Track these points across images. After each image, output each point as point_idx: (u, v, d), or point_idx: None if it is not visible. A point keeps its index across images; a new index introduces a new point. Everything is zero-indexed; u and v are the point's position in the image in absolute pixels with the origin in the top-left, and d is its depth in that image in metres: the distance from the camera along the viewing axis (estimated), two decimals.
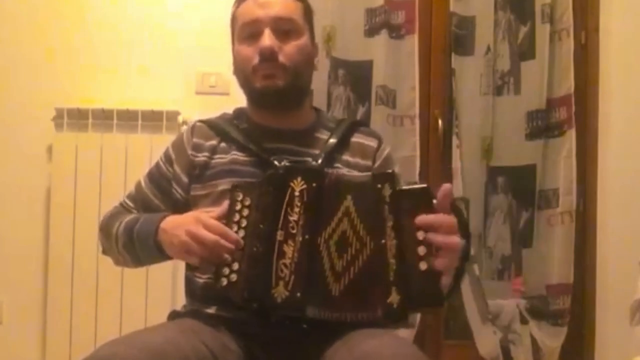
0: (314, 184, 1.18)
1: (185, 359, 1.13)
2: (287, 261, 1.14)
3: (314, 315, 1.14)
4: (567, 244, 2.56)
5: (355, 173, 1.36)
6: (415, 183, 1.26)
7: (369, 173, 1.27)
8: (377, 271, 1.13)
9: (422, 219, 1.13)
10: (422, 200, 1.14)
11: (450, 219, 1.14)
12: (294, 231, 1.16)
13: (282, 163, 1.25)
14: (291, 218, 1.16)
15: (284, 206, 1.17)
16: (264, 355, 1.26)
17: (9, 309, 2.61)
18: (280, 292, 1.13)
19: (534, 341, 2.56)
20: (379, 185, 1.16)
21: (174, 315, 1.38)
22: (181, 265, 1.46)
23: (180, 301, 1.45)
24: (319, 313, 1.15)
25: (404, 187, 1.18)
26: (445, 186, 1.15)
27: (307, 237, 1.16)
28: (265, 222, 1.17)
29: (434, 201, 1.14)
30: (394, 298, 1.10)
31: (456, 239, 1.13)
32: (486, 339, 2.56)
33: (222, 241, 1.18)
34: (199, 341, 1.19)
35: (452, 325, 2.73)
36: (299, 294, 1.13)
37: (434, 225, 1.12)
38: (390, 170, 1.23)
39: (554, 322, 2.58)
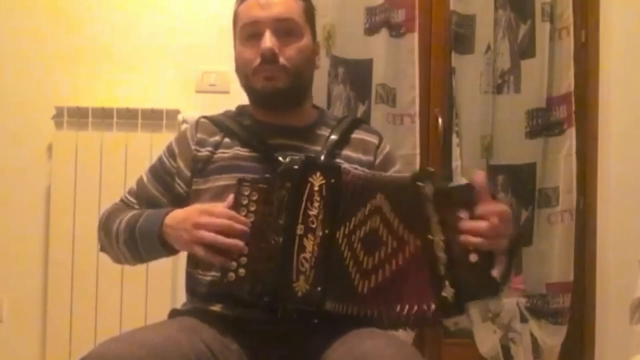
0: (333, 180, 1.19)
1: (185, 357, 1.13)
2: (308, 255, 1.15)
3: (333, 309, 1.15)
4: (567, 242, 2.56)
5: (358, 168, 1.38)
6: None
7: (406, 174, 1.27)
8: (424, 267, 1.13)
9: (480, 209, 1.13)
10: (467, 196, 1.15)
11: (503, 206, 1.15)
12: (314, 226, 1.16)
13: (287, 159, 1.25)
14: (311, 213, 1.17)
15: (304, 201, 1.17)
16: (265, 354, 1.26)
17: (9, 307, 2.61)
18: (302, 286, 1.14)
19: (534, 340, 2.56)
20: (420, 183, 1.16)
21: (174, 314, 1.38)
22: (181, 263, 1.46)
23: (181, 299, 1.45)
24: (342, 308, 1.15)
25: (447, 185, 1.19)
26: (478, 173, 1.16)
27: (326, 231, 1.16)
28: (284, 216, 1.17)
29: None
30: (448, 291, 1.11)
31: (505, 208, 1.15)
32: (486, 338, 2.56)
33: (231, 223, 1.19)
34: (198, 340, 1.19)
35: (452, 324, 2.72)
36: (319, 289, 1.14)
37: (489, 213, 1.13)
38: (431, 169, 1.24)
39: (554, 320, 2.58)
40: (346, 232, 1.18)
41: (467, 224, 1.12)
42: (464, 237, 1.12)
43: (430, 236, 1.14)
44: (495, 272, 1.12)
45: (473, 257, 1.12)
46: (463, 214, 1.13)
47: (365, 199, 1.19)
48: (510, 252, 1.16)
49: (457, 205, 1.14)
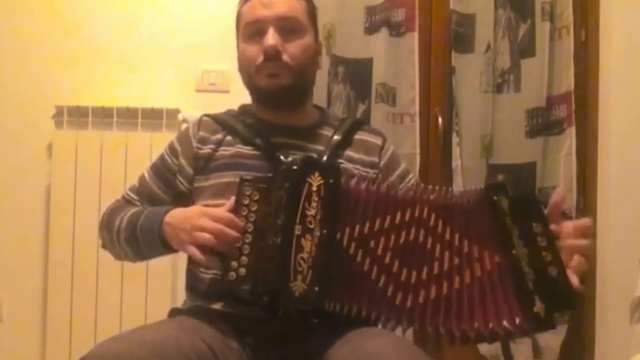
0: (331, 180, 1.19)
1: (185, 356, 1.13)
2: (305, 255, 1.15)
3: (336, 310, 1.15)
4: None
5: (360, 169, 1.38)
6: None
7: (479, 187, 1.28)
8: (506, 283, 1.15)
9: (566, 225, 1.18)
10: (536, 207, 1.17)
11: (587, 223, 1.21)
12: (312, 226, 1.16)
13: (289, 158, 1.25)
14: (309, 213, 1.17)
15: (302, 201, 1.17)
16: (265, 353, 1.26)
17: (9, 307, 2.61)
18: (299, 286, 1.14)
19: (534, 339, 2.56)
20: (495, 197, 1.18)
21: (174, 313, 1.38)
22: (181, 262, 1.46)
23: (181, 298, 1.45)
24: (353, 311, 1.16)
25: (516, 195, 1.20)
26: (559, 191, 1.20)
27: (324, 232, 1.16)
28: (282, 216, 1.17)
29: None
30: (540, 307, 1.12)
31: (588, 243, 1.20)
32: None
33: (227, 229, 1.19)
34: (198, 339, 1.19)
35: None
36: (316, 288, 1.14)
37: (575, 232, 1.18)
38: (501, 179, 1.26)
39: None
40: (356, 235, 1.18)
41: (569, 242, 1.17)
42: (545, 254, 1.14)
43: (514, 251, 1.14)
44: (575, 284, 1.14)
45: (552, 271, 1.13)
46: (536, 226, 1.15)
47: (390, 208, 1.19)
48: None
49: (531, 217, 1.15)
